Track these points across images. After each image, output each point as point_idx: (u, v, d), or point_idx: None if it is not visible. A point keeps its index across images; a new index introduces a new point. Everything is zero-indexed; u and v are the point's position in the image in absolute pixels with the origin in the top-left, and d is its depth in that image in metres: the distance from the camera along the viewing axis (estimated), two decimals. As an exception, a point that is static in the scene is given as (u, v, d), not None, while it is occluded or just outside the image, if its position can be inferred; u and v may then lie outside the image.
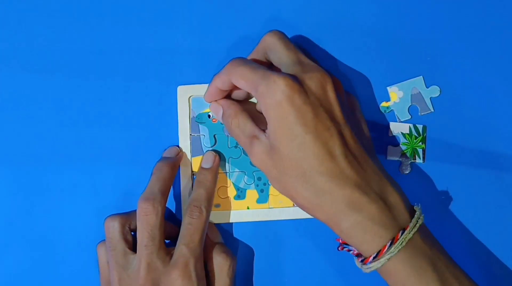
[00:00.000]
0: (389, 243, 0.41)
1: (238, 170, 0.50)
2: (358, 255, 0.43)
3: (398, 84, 0.51)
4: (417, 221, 0.42)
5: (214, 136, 0.50)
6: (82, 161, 0.50)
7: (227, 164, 0.50)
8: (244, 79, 0.43)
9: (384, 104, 0.51)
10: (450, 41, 0.51)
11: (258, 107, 0.47)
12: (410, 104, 0.51)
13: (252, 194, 0.50)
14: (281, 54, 0.45)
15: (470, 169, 0.51)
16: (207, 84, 0.47)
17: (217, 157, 0.49)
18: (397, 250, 0.41)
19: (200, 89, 0.49)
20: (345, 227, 0.42)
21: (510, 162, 0.51)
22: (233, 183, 0.50)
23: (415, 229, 0.42)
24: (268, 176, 0.44)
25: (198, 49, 0.50)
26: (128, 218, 0.47)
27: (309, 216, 0.45)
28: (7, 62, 0.50)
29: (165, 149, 0.50)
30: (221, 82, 0.46)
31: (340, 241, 0.45)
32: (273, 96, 0.41)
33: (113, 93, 0.50)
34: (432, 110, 0.51)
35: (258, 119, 0.45)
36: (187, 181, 0.50)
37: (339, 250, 0.45)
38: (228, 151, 0.50)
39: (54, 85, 0.50)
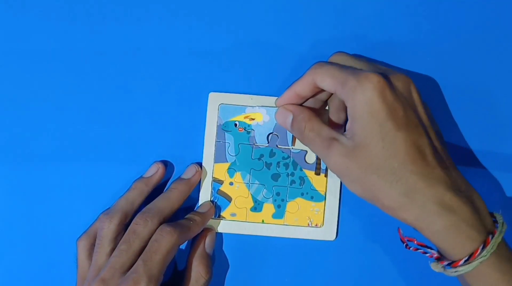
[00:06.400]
0: (481, 247, 0.40)
1: (258, 182, 0.50)
2: (438, 258, 0.43)
3: (398, 84, 0.51)
4: (502, 226, 0.42)
5: (238, 145, 0.50)
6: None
7: (248, 174, 0.50)
8: (331, 77, 0.42)
9: (384, 104, 0.51)
10: (450, 41, 0.51)
11: (335, 109, 0.47)
12: (410, 105, 0.51)
13: (268, 208, 0.50)
14: (358, 66, 0.44)
15: (470, 169, 0.51)
16: (237, 94, 0.49)
17: (212, 209, 0.49)
18: (489, 253, 0.40)
19: (230, 98, 0.50)
20: (437, 229, 0.40)
21: (510, 162, 0.51)
22: (251, 194, 0.50)
23: (503, 233, 0.41)
24: (347, 179, 0.42)
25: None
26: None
27: (323, 238, 0.49)
28: (8, 62, 0.50)
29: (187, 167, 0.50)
30: (302, 86, 0.44)
31: (416, 242, 0.43)
32: (364, 91, 0.40)
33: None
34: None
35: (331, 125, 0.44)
36: (207, 185, 0.50)
37: (408, 249, 0.44)
38: (251, 162, 0.50)
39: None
